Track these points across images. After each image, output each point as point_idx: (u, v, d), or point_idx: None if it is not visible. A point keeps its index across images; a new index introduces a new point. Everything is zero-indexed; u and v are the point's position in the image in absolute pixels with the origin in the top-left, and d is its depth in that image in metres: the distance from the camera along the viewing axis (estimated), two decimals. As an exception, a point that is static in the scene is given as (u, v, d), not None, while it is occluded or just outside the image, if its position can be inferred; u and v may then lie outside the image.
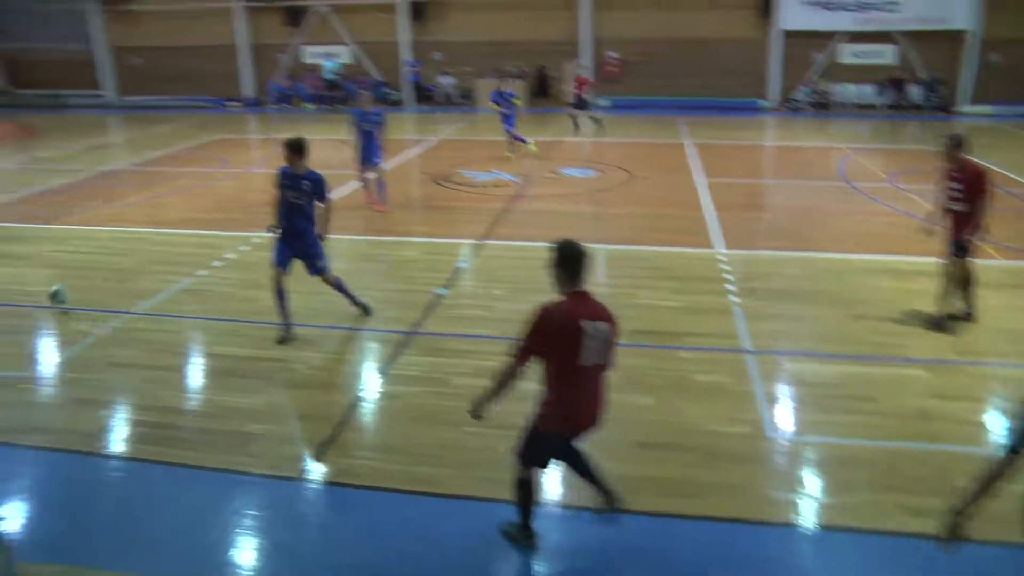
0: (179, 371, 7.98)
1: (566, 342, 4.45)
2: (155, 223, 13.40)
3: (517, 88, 21.90)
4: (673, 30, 27.45)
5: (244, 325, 8.90)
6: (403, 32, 29.59)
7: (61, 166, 19.44)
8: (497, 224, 12.69)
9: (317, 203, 8.31)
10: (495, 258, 11.06)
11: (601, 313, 4.56)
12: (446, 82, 29.42)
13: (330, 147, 21.02)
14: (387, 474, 5.95)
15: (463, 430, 6.41)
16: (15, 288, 10.47)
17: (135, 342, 8.57)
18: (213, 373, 7.88)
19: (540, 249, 10.40)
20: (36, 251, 12.19)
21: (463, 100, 29.39)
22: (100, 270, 11.10)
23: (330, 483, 5.94)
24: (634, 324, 8.23)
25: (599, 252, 11.12)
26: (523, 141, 18.77)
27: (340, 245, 11.90)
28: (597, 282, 9.97)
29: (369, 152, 13.49)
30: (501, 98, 18.85)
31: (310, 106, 30.19)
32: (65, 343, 8.69)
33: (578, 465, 5.03)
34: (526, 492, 4.97)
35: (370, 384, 7.49)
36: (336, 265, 11.02)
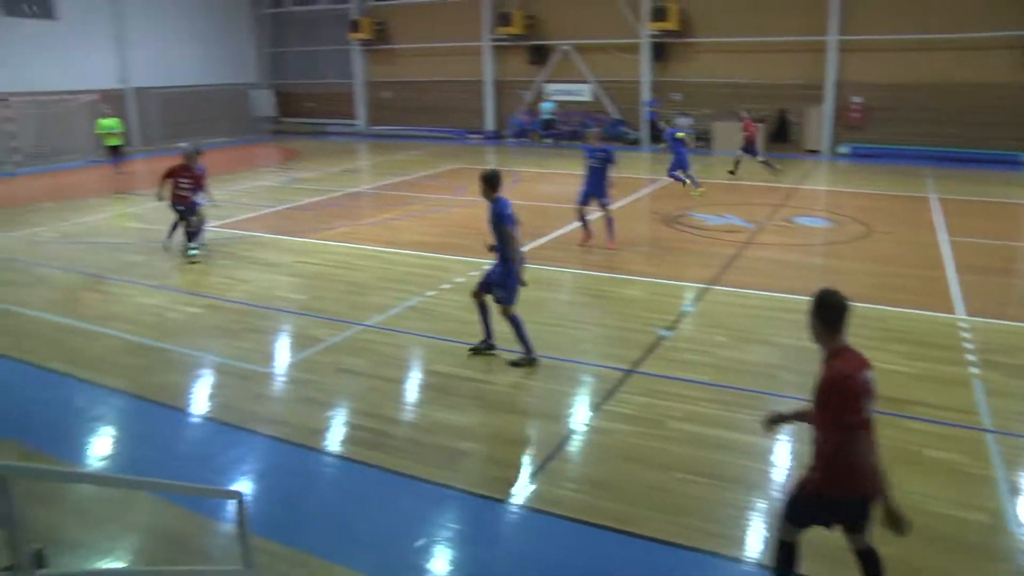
0: (400, 383, 8.40)
1: (858, 400, 4.24)
2: (390, 243, 14.22)
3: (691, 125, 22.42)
4: (924, 74, 25.63)
5: (462, 347, 9.18)
6: (644, 71, 29.77)
7: (313, 186, 21.19)
8: (726, 270, 12.37)
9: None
10: (720, 304, 10.76)
11: (867, 362, 4.37)
12: (683, 123, 29.26)
13: (560, 181, 21.46)
14: (591, 508, 5.90)
15: (674, 475, 6.27)
16: (266, 293, 11.49)
17: (363, 352, 9.10)
18: (431, 389, 8.19)
19: (767, 298, 9.96)
20: (285, 261, 13.31)
21: (699, 142, 29.07)
22: (338, 282, 11.94)
23: (533, 509, 5.97)
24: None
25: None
26: (682, 181, 18.61)
27: (565, 278, 12.12)
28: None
29: (595, 189, 13.59)
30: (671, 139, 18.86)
31: (546, 140, 31.02)
32: (301, 346, 9.39)
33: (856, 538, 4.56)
34: (789, 556, 4.69)
35: (584, 417, 7.49)
36: (559, 297, 11.29)
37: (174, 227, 14.00)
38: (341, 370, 8.61)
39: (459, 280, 11.97)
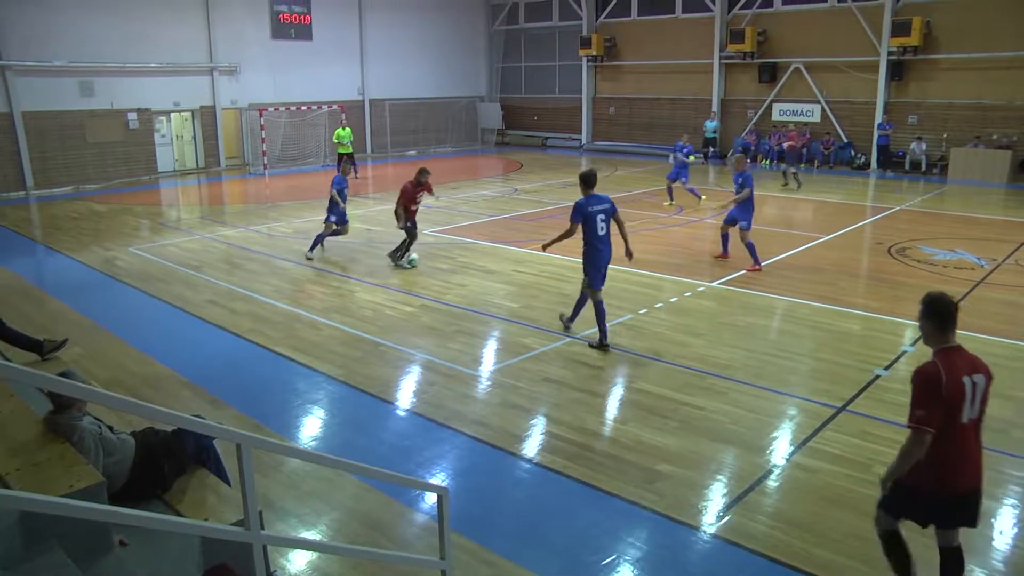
0: (605, 398, 8.42)
1: (949, 400, 4.43)
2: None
3: (696, 145, 23.79)
4: None
5: (673, 368, 9.08)
6: (880, 91, 28.12)
7: (534, 197, 21.69)
8: (954, 309, 11.43)
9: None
10: (948, 346, 9.94)
11: (978, 366, 4.55)
12: (918, 148, 27.34)
13: (779, 204, 20.78)
14: (785, 547, 5.64)
15: (881, 522, 5.88)
16: (480, 298, 11.90)
17: (571, 364, 9.21)
18: (636, 407, 8.14)
19: (998, 344, 9.19)
20: (501, 269, 13.73)
21: (934, 170, 27.02)
22: (551, 293, 12.15)
23: (726, 540, 5.79)
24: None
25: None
26: (697, 195, 20.57)
27: (780, 306, 11.69)
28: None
29: (738, 212, 13.72)
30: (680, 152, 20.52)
31: (766, 163, 30.02)
32: (510, 352, 9.63)
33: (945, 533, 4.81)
34: (895, 547, 4.85)
35: (788, 452, 7.19)
36: (772, 325, 10.91)
37: (408, 245, 14.12)
38: (547, 379, 8.75)
39: (672, 300, 11.86)
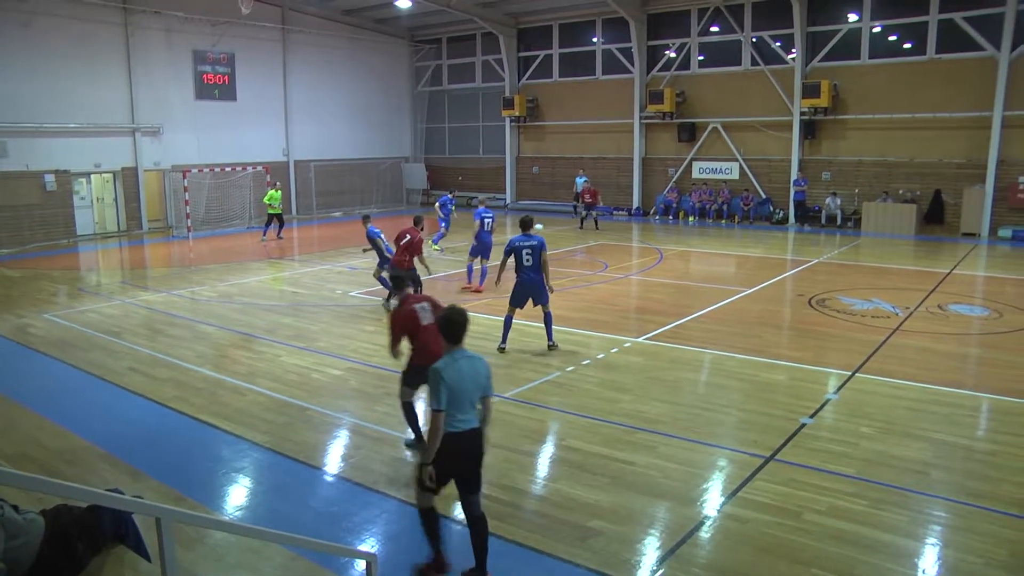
0: (534, 456, 8.40)
1: None
2: (532, 317, 14.26)
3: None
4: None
5: (601, 424, 9.12)
6: (794, 149, 29.27)
7: (459, 257, 21.70)
8: (873, 357, 11.83)
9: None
10: (867, 393, 10.24)
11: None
12: (833, 203, 28.41)
13: (703, 259, 21.27)
14: (724, 600, 5.67)
15: (809, 570, 5.96)
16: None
17: (498, 423, 9.08)
18: (565, 464, 8.14)
19: (918, 389, 9.48)
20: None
21: (848, 223, 28.11)
22: (488, 354, 12.05)
23: (663, 596, 5.79)
24: (1016, 491, 7.23)
25: (982, 402, 9.94)
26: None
27: (705, 359, 11.89)
28: (974, 435, 8.92)
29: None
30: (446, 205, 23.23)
31: (692, 219, 30.83)
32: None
33: None
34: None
35: (719, 502, 7.25)
36: (699, 378, 11.08)
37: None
38: (477, 440, 8.68)
39: (600, 356, 11.95)
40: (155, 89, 28.90)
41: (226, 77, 31.28)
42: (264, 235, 26.49)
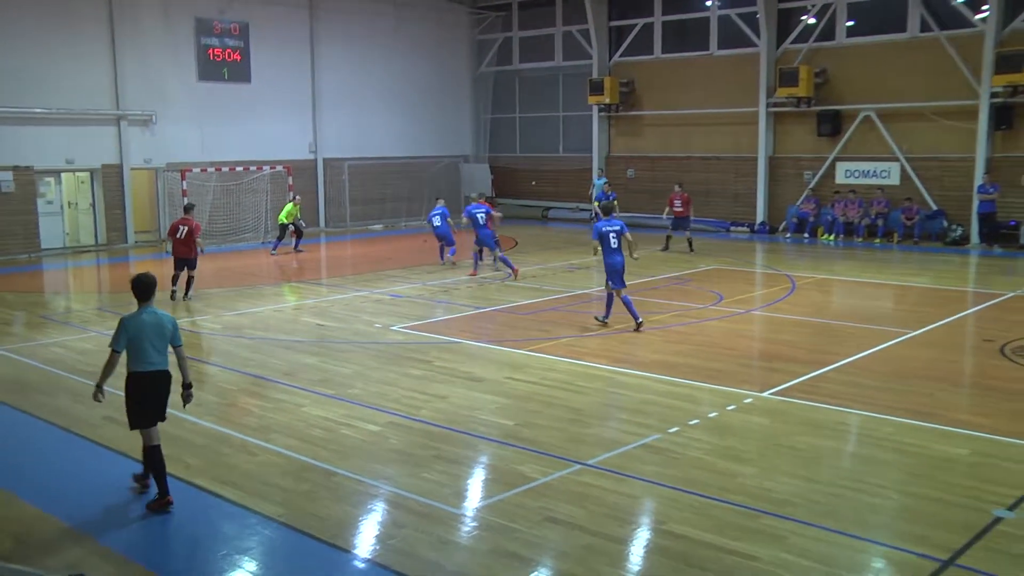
0: (624, 544, 8.29)
1: None
2: (623, 361, 14.32)
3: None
4: None
5: (713, 504, 8.99)
6: (980, 144, 28.34)
7: (532, 284, 21.76)
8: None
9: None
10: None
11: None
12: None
13: (846, 291, 20.92)
14: None
15: None
16: (463, 414, 11.85)
17: (581, 499, 9.10)
18: (665, 554, 8.03)
19: None
20: (491, 375, 13.74)
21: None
22: (556, 407, 12.13)
23: None
24: None
25: None
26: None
27: (854, 422, 11.66)
28: None
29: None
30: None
31: (834, 238, 30.30)
32: (503, 484, 9.53)
33: None
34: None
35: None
36: (845, 449, 10.87)
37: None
38: (551, 519, 8.62)
39: (711, 415, 11.82)
40: (146, 67, 29.50)
41: (237, 53, 31.89)
42: (274, 249, 26.95)
